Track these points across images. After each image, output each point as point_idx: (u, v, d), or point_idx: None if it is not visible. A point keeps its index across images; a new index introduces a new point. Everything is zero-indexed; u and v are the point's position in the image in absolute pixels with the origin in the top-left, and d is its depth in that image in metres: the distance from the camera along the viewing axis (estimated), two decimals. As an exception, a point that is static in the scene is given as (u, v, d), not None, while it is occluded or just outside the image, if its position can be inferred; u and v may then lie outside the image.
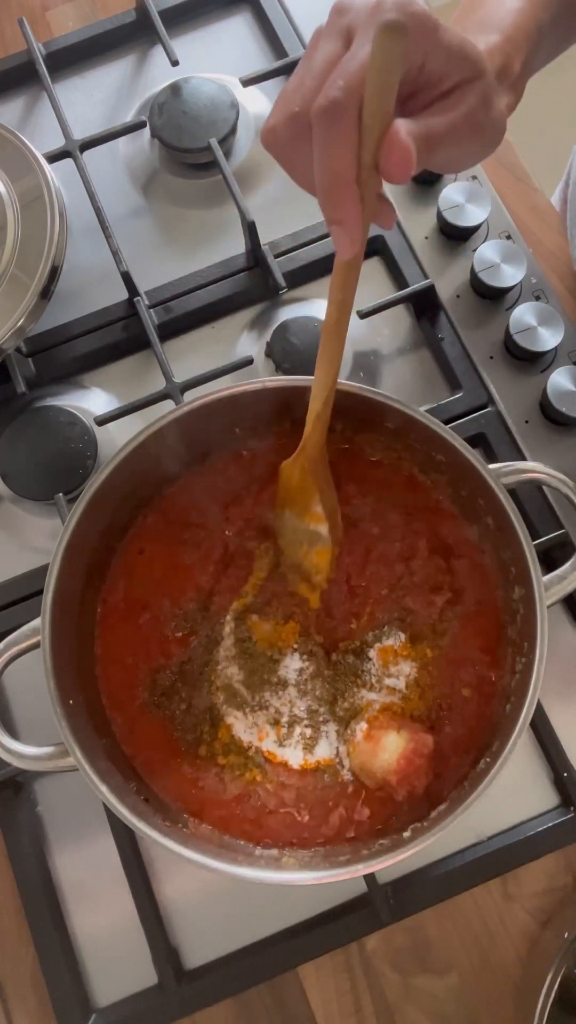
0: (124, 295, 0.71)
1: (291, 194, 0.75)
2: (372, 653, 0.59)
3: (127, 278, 0.69)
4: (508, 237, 0.71)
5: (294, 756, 0.57)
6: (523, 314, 0.66)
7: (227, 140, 0.75)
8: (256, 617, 0.60)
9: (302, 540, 0.59)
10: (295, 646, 0.59)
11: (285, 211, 0.74)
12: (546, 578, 0.53)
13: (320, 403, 0.52)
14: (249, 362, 0.66)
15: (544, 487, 0.65)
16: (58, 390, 0.71)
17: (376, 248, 0.73)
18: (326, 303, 0.46)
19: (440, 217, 0.70)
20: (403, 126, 0.38)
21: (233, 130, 0.74)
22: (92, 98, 0.80)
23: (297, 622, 0.60)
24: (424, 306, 0.70)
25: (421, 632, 0.59)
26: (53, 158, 0.72)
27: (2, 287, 0.65)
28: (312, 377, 0.51)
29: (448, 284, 0.70)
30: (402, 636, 0.59)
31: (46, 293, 0.66)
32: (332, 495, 0.58)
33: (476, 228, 0.70)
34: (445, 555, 0.60)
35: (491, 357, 0.69)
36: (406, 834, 0.52)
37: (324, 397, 0.52)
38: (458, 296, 0.70)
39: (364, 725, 0.56)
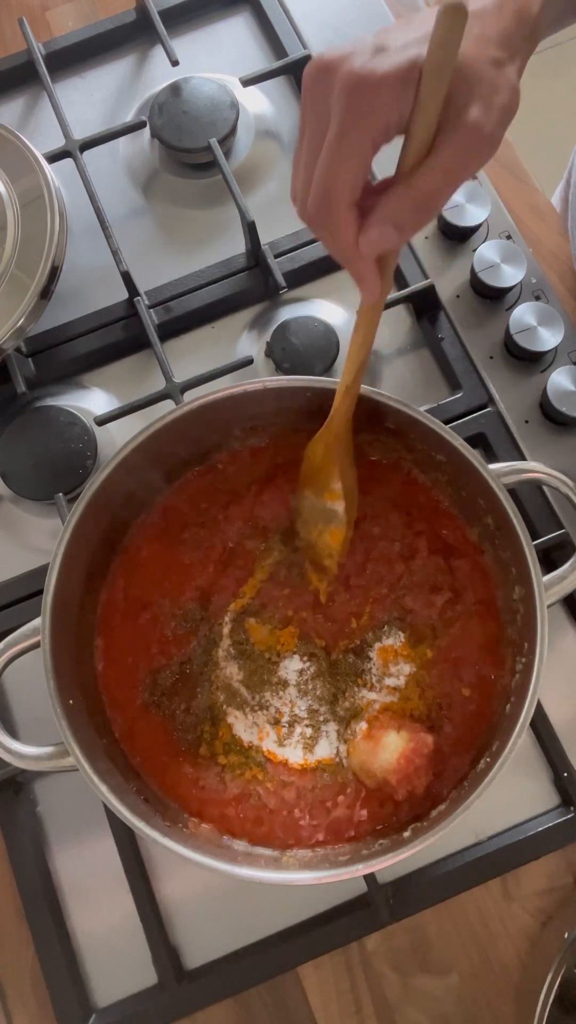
0: (124, 295, 0.71)
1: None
2: (372, 653, 0.59)
3: (127, 278, 0.69)
4: (508, 237, 0.71)
5: (294, 755, 0.57)
6: (523, 314, 0.66)
7: (227, 140, 0.75)
8: (253, 620, 0.60)
9: (318, 519, 0.59)
10: (294, 649, 0.59)
11: (285, 211, 0.73)
12: (546, 578, 0.53)
13: (351, 376, 0.53)
14: (249, 362, 0.66)
15: (544, 487, 0.65)
16: (58, 390, 0.71)
17: (376, 248, 0.73)
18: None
19: (440, 217, 0.70)
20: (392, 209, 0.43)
21: (233, 130, 0.74)
22: (92, 98, 0.80)
23: (296, 626, 0.60)
24: (424, 306, 0.70)
25: (421, 632, 0.59)
26: (53, 158, 0.72)
27: (2, 287, 0.65)
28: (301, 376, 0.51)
29: (448, 284, 0.70)
30: (402, 636, 0.59)
31: (46, 293, 0.66)
32: (352, 474, 0.58)
33: (476, 228, 0.70)
34: (445, 555, 0.60)
35: (491, 357, 0.69)
36: (406, 834, 0.52)
37: (355, 370, 0.52)
38: (458, 296, 0.70)
39: (364, 725, 0.56)
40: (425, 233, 0.72)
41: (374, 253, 0.44)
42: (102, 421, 0.66)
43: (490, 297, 0.70)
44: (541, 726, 0.61)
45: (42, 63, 0.76)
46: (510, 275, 0.67)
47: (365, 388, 0.54)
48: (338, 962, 0.60)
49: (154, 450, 0.56)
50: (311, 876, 0.50)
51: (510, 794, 0.62)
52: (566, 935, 0.55)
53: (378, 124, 0.41)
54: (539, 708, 0.62)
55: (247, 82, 0.75)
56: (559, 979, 0.54)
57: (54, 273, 0.66)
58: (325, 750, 0.57)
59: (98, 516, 0.56)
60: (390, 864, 0.48)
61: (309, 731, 0.58)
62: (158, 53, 0.80)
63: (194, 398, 0.56)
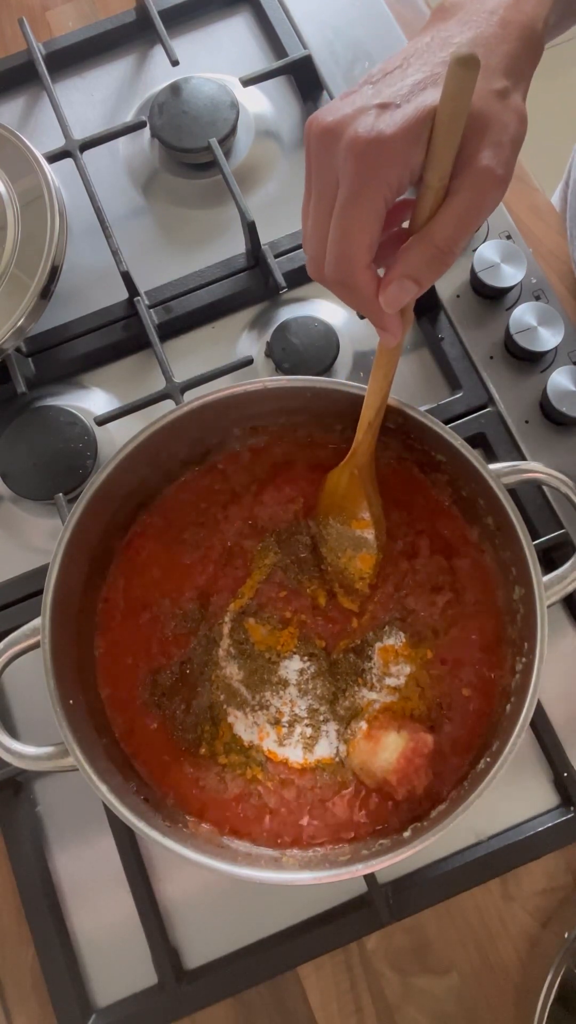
0: (124, 295, 0.71)
1: (291, 194, 0.76)
2: (373, 652, 0.59)
3: (127, 278, 0.69)
4: (508, 237, 0.71)
5: (294, 755, 0.57)
6: (523, 314, 0.66)
7: (227, 140, 0.75)
8: (253, 620, 0.60)
9: (347, 546, 0.59)
10: (294, 649, 0.59)
11: (285, 211, 0.74)
12: (546, 578, 0.53)
13: (373, 412, 0.54)
14: (249, 362, 0.66)
15: (544, 487, 0.65)
16: (58, 390, 0.71)
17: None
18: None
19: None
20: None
21: (233, 130, 0.74)
22: (92, 98, 0.80)
23: (296, 627, 0.60)
24: (424, 306, 0.70)
25: (421, 632, 0.59)
26: (53, 158, 0.72)
27: (2, 287, 0.65)
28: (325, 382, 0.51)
29: (448, 284, 0.70)
30: (402, 636, 0.59)
31: (46, 293, 0.66)
32: (379, 501, 0.59)
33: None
34: (446, 554, 0.60)
35: (491, 357, 0.69)
36: (406, 834, 0.52)
37: (377, 406, 0.53)
38: (458, 296, 0.70)
39: (364, 724, 0.56)
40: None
41: (396, 309, 0.44)
42: (102, 421, 0.66)
43: (490, 297, 0.70)
44: (541, 726, 0.61)
45: (42, 63, 0.76)
46: (510, 275, 0.67)
47: (365, 388, 0.54)
48: (338, 962, 0.60)
49: (154, 450, 0.56)
50: (311, 876, 0.50)
51: (510, 794, 0.62)
52: (566, 935, 0.55)
53: (390, 184, 0.41)
54: (539, 708, 0.62)
55: (247, 82, 0.75)
56: (559, 979, 0.54)
57: (54, 273, 0.66)
58: (325, 749, 0.57)
59: (98, 516, 0.56)
60: (390, 864, 0.48)
61: (309, 731, 0.58)
62: (158, 53, 0.80)
63: (194, 398, 0.56)
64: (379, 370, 0.52)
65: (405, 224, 0.46)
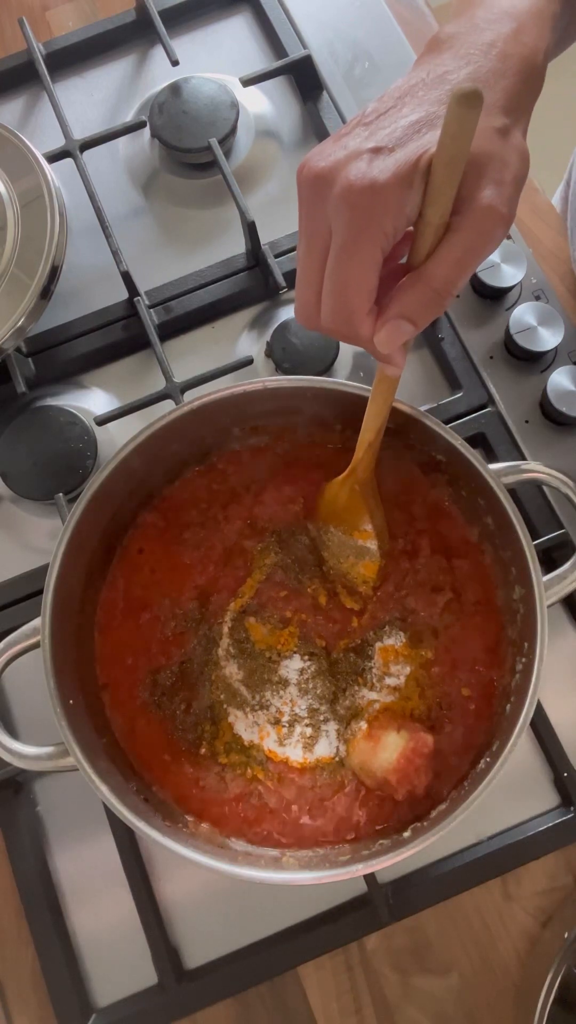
0: (124, 295, 0.71)
1: (291, 194, 0.75)
2: (373, 652, 0.59)
3: (127, 278, 0.69)
4: (508, 237, 0.71)
5: (294, 754, 0.57)
6: (523, 314, 0.66)
7: (227, 140, 0.75)
8: (253, 619, 0.60)
9: (349, 553, 0.59)
10: (295, 648, 0.59)
11: (285, 211, 0.74)
12: (546, 578, 0.53)
13: (372, 434, 0.54)
14: (249, 362, 0.66)
15: (544, 487, 0.65)
16: (58, 390, 0.71)
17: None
18: None
19: (440, 217, 0.70)
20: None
21: (233, 130, 0.74)
22: (92, 98, 0.80)
23: (296, 627, 0.60)
24: (424, 306, 0.70)
25: (421, 632, 0.59)
26: (53, 158, 0.72)
27: (2, 287, 0.65)
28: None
29: (448, 284, 0.70)
30: (403, 636, 0.59)
31: (46, 293, 0.66)
32: (381, 513, 0.59)
33: (476, 228, 0.70)
34: (447, 554, 0.60)
35: (491, 357, 0.69)
36: (406, 834, 0.52)
37: (377, 428, 0.53)
38: (458, 296, 0.70)
39: (364, 724, 0.56)
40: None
41: (391, 349, 0.43)
42: (102, 421, 0.66)
43: (490, 297, 0.70)
44: (541, 726, 0.61)
45: (42, 63, 0.76)
46: (510, 275, 0.67)
47: (365, 388, 0.54)
48: (338, 962, 0.60)
49: (154, 450, 0.56)
50: (311, 876, 0.50)
51: (510, 794, 0.62)
52: (566, 935, 0.55)
53: (385, 232, 0.39)
54: (539, 708, 0.62)
55: (247, 82, 0.75)
56: (559, 979, 0.54)
57: (54, 273, 0.66)
58: (325, 749, 0.57)
59: (98, 516, 0.56)
60: (390, 864, 0.48)
61: (309, 730, 0.58)
62: (158, 53, 0.80)
63: (194, 398, 0.56)
64: (379, 395, 0.51)
65: (405, 260, 0.44)
